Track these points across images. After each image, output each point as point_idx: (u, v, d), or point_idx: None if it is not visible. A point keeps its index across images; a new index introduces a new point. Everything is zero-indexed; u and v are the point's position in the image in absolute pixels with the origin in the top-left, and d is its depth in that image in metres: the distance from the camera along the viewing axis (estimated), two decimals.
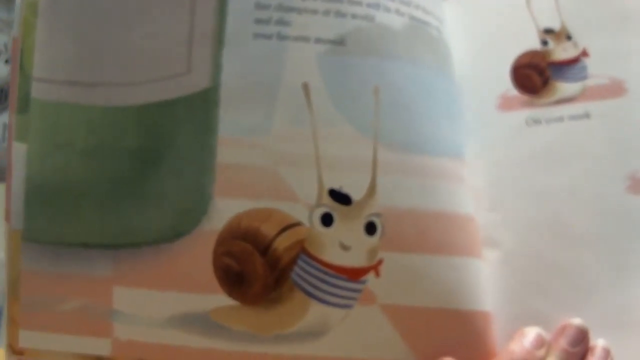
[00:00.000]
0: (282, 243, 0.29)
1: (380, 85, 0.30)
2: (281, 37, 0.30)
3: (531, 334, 0.30)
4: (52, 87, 0.29)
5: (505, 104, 0.33)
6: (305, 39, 0.30)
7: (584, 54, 0.33)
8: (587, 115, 0.32)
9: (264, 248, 0.29)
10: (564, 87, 0.33)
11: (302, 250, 0.29)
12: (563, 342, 0.30)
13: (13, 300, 0.29)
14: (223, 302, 0.29)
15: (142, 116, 0.29)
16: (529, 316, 0.31)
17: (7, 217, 0.30)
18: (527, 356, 0.29)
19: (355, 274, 0.29)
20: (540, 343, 0.30)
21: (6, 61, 0.36)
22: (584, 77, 0.33)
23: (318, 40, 0.30)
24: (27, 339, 0.29)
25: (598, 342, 0.30)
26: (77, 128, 0.29)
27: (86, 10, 0.29)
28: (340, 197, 0.29)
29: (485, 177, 0.32)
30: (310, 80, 0.29)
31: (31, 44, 0.29)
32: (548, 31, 0.34)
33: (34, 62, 0.29)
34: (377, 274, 0.29)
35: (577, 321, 0.30)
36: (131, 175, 0.29)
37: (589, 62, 0.33)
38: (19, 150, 0.29)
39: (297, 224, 0.29)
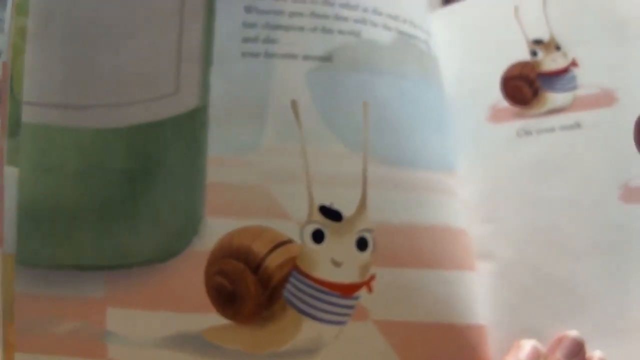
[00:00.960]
0: (273, 261, 0.29)
1: (368, 100, 0.30)
2: (269, 55, 0.30)
3: (527, 346, 0.29)
4: (41, 110, 0.29)
5: (496, 116, 0.33)
6: (292, 56, 0.30)
7: (574, 64, 0.33)
8: (578, 125, 0.32)
9: (256, 266, 0.29)
10: (554, 98, 0.33)
11: (294, 267, 0.29)
12: (559, 354, 0.29)
13: (8, 323, 0.29)
14: (216, 322, 0.29)
15: (131, 138, 0.29)
16: (525, 328, 0.30)
17: (0, 241, 0.30)
18: None
19: (347, 290, 0.29)
20: (536, 356, 0.29)
21: None
22: (574, 87, 0.33)
23: (306, 57, 0.30)
24: None
25: (594, 354, 0.30)
26: (67, 151, 0.29)
27: (75, 33, 0.29)
28: (331, 214, 0.29)
29: (477, 189, 0.32)
30: (299, 97, 0.29)
31: (20, 68, 0.29)
32: (537, 42, 0.33)
33: (23, 86, 0.29)
34: (370, 290, 0.29)
35: (573, 333, 0.30)
36: (122, 197, 0.29)
37: (579, 72, 0.33)
38: (10, 174, 0.29)
39: (288, 242, 0.29)
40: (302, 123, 0.29)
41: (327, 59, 0.30)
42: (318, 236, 0.29)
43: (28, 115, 0.29)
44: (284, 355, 0.29)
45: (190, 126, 0.29)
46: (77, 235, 0.29)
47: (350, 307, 0.29)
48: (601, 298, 0.30)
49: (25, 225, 0.29)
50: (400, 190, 0.29)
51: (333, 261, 0.29)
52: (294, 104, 0.29)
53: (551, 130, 0.32)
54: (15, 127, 0.30)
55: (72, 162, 0.29)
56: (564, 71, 0.33)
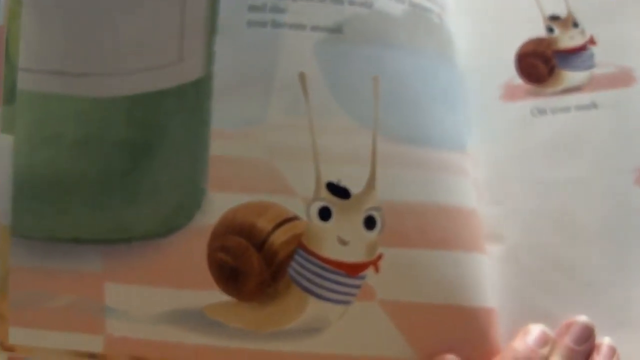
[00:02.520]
0: (278, 238, 0.28)
1: (379, 74, 0.28)
2: (276, 25, 0.28)
3: (535, 331, 0.29)
4: (39, 77, 0.28)
5: (509, 94, 0.31)
6: (301, 27, 0.28)
7: (591, 41, 0.32)
8: (594, 105, 0.31)
9: (260, 243, 0.28)
10: (571, 76, 0.31)
11: (299, 245, 0.28)
12: (568, 340, 0.29)
13: (2, 297, 0.28)
14: (218, 298, 0.28)
15: (132, 107, 0.28)
16: (533, 313, 0.29)
17: None
18: (530, 354, 0.28)
19: (354, 270, 0.28)
20: (544, 341, 0.28)
21: None
22: (591, 66, 0.31)
23: (314, 28, 0.28)
24: (18, 336, 0.28)
25: (604, 340, 0.29)
26: (65, 120, 0.28)
27: None
28: (338, 191, 0.28)
29: (488, 170, 0.31)
30: (307, 69, 0.28)
31: (16, 33, 0.28)
32: (554, 18, 0.32)
33: (19, 51, 0.28)
34: (377, 270, 0.28)
35: (582, 318, 0.29)
36: (122, 169, 0.28)
37: (597, 51, 0.32)
38: (5, 143, 0.28)
39: (294, 218, 0.28)
40: (309, 96, 0.28)
41: (336, 30, 0.28)
42: (325, 213, 0.28)
43: (25, 82, 0.28)
44: (288, 334, 0.28)
45: (194, 96, 0.28)
46: (75, 207, 0.28)
47: (357, 286, 0.28)
48: (612, 283, 0.30)
49: (20, 196, 0.28)
50: (410, 168, 0.28)
51: (340, 239, 0.28)
52: (301, 77, 0.28)
53: (566, 110, 0.31)
54: (10, 94, 0.28)
55: (70, 132, 0.28)
56: (582, 49, 0.32)
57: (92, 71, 0.28)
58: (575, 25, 0.32)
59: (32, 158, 0.28)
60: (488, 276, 0.29)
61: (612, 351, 0.29)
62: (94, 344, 0.28)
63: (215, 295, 0.28)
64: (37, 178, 0.28)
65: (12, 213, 0.28)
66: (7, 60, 0.28)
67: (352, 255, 0.28)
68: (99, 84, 0.28)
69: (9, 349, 0.29)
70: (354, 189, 0.28)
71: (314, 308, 0.28)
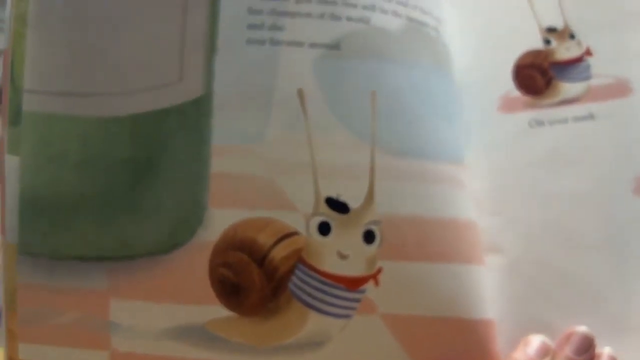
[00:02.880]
0: (279, 253, 0.28)
1: (377, 89, 0.29)
2: (274, 43, 0.29)
3: (535, 342, 0.29)
4: (43, 98, 0.29)
5: (507, 106, 0.32)
6: (299, 44, 0.29)
7: (588, 53, 0.32)
8: (591, 116, 0.31)
9: (261, 258, 0.28)
10: (568, 88, 0.32)
11: (299, 260, 0.28)
12: (568, 351, 0.29)
13: (11, 313, 0.29)
14: (220, 314, 0.28)
15: (134, 126, 0.29)
16: (533, 324, 0.29)
17: (2, 231, 0.29)
18: None
19: (353, 284, 0.28)
20: (544, 351, 0.29)
21: None
22: (588, 77, 0.32)
23: (313, 45, 0.29)
24: (27, 352, 0.29)
25: (604, 350, 0.29)
26: (69, 140, 0.29)
27: (76, 20, 0.28)
28: (337, 206, 0.28)
29: (487, 181, 0.31)
30: (305, 85, 0.28)
31: (21, 55, 0.29)
32: (551, 30, 0.32)
33: (24, 73, 0.29)
34: (377, 283, 0.28)
35: (582, 329, 0.29)
36: (125, 187, 0.29)
37: (593, 62, 0.32)
38: (11, 163, 0.29)
39: (294, 234, 0.28)
40: (308, 112, 0.28)
41: (334, 46, 0.29)
42: (324, 228, 0.28)
43: (29, 103, 0.29)
44: (289, 349, 0.28)
45: (195, 115, 0.29)
46: (79, 225, 0.29)
47: (357, 300, 0.28)
48: (611, 293, 0.30)
49: (26, 215, 0.29)
50: (408, 181, 0.29)
51: (339, 254, 0.28)
52: (300, 93, 0.28)
53: (564, 121, 0.31)
54: (16, 115, 0.29)
55: (74, 151, 0.29)
56: (578, 60, 0.32)
57: (95, 91, 0.29)
58: (572, 36, 0.32)
59: (37, 177, 0.29)
60: (487, 287, 0.29)
61: None
62: None
63: (217, 311, 0.28)
64: (42, 197, 0.29)
65: (19, 231, 0.29)
66: (12, 83, 0.29)
67: (351, 269, 0.28)
68: (101, 103, 0.29)
69: None
70: (353, 203, 0.28)
71: (314, 322, 0.28)
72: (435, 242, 0.29)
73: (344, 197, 0.28)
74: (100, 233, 0.29)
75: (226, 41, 0.28)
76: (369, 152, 0.28)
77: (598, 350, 0.29)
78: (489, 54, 0.32)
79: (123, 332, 0.28)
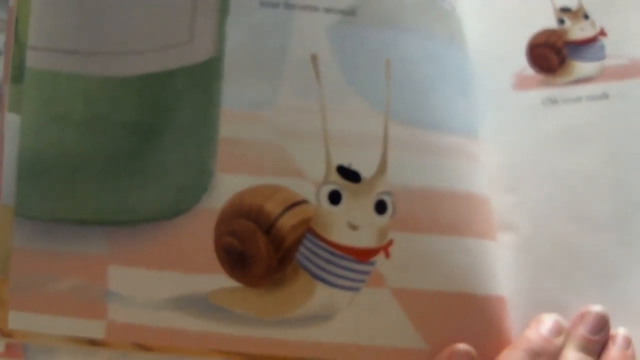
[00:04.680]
0: (287, 222, 0.27)
1: (392, 58, 0.28)
2: (288, 6, 0.28)
3: (548, 320, 0.28)
4: (48, 56, 0.27)
5: (521, 84, 0.31)
6: (313, 9, 0.28)
7: (602, 33, 0.31)
8: (605, 96, 0.31)
9: (268, 227, 0.27)
10: (582, 67, 0.31)
11: (308, 229, 0.27)
12: (582, 330, 0.28)
13: (2, 280, 0.27)
14: (224, 283, 0.27)
15: (141, 87, 0.27)
16: (546, 303, 0.28)
17: None
18: (544, 344, 0.27)
19: (363, 255, 0.27)
20: (558, 330, 0.28)
21: None
22: (602, 57, 0.31)
23: (327, 10, 0.28)
24: (17, 321, 0.27)
25: (619, 331, 0.28)
26: (73, 99, 0.27)
27: None
28: (349, 174, 0.27)
29: (500, 159, 0.30)
30: (319, 51, 0.27)
31: (26, 12, 0.27)
32: (565, 10, 0.32)
33: (29, 30, 0.28)
34: (387, 256, 0.27)
35: (597, 308, 0.28)
36: (129, 149, 0.27)
37: (607, 42, 0.31)
38: (11, 122, 0.27)
39: (303, 202, 0.27)
40: (321, 79, 0.27)
41: (350, 12, 0.28)
42: (335, 197, 0.27)
43: (33, 60, 0.27)
44: (295, 322, 0.27)
45: (204, 77, 0.28)
46: (80, 188, 0.27)
47: (366, 272, 0.27)
48: (626, 273, 0.29)
49: (25, 176, 0.27)
50: (422, 152, 0.28)
51: (349, 224, 0.27)
52: (313, 59, 0.27)
53: (578, 100, 0.31)
54: (18, 72, 0.28)
55: (77, 111, 0.27)
56: (592, 40, 0.31)
57: (102, 50, 0.27)
58: (586, 17, 0.32)
59: (38, 137, 0.27)
60: (500, 264, 0.28)
61: (628, 342, 0.28)
62: (96, 330, 0.27)
63: (221, 280, 0.27)
64: (42, 158, 0.27)
65: (16, 193, 0.27)
66: (16, 40, 0.28)
67: (362, 240, 0.27)
68: (108, 63, 0.27)
69: (8, 334, 0.28)
70: (365, 172, 0.27)
71: (322, 295, 0.27)
72: (448, 215, 0.28)
73: (355, 166, 0.27)
74: (102, 196, 0.27)
75: (239, 3, 0.27)
76: (383, 121, 0.28)
77: (613, 331, 0.28)
78: (503, 33, 0.32)
79: (121, 302, 0.27)
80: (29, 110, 0.27)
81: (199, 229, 0.27)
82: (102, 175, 0.27)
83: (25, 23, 0.28)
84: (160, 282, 0.27)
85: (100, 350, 0.27)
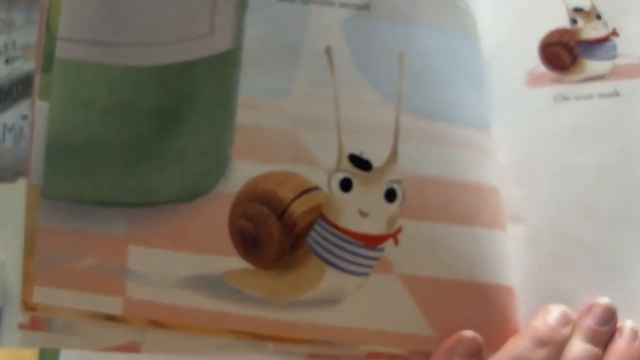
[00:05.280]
0: (299, 207, 0.28)
1: (405, 51, 0.29)
2: (305, 1, 0.29)
3: (556, 311, 0.28)
4: (76, 46, 0.29)
5: (533, 80, 0.31)
6: (329, 3, 0.29)
7: (614, 33, 0.32)
8: (616, 94, 0.31)
9: (281, 212, 0.28)
10: (594, 65, 0.31)
11: (319, 215, 0.28)
12: (590, 321, 0.28)
13: (29, 257, 0.29)
14: (237, 265, 0.28)
15: (163, 76, 0.29)
16: (554, 295, 0.29)
17: (28, 172, 0.29)
18: (551, 333, 0.27)
19: (373, 242, 0.28)
20: (565, 321, 0.28)
21: (6, 61, 0.36)
22: (614, 56, 0.31)
23: (343, 5, 0.29)
24: (41, 295, 0.28)
25: (626, 323, 0.28)
26: (98, 87, 0.29)
27: None
28: (360, 163, 0.28)
29: (511, 153, 0.30)
30: (334, 44, 0.28)
31: (58, 3, 0.29)
32: (577, 10, 0.32)
33: (60, 22, 0.29)
34: (396, 243, 0.28)
35: (604, 300, 0.28)
36: (150, 135, 0.29)
37: (619, 42, 0.32)
38: (41, 108, 0.29)
39: (315, 189, 0.28)
40: (335, 70, 0.28)
41: (364, 7, 0.29)
42: (346, 185, 0.28)
43: (62, 50, 0.29)
44: (305, 304, 0.28)
45: (223, 67, 0.29)
46: (103, 171, 0.28)
47: (375, 258, 0.28)
48: (633, 266, 0.29)
49: (52, 158, 0.29)
50: (432, 143, 0.28)
51: (360, 211, 0.28)
52: (328, 51, 0.28)
53: (589, 97, 0.31)
54: (48, 62, 0.29)
55: (102, 99, 0.29)
56: (604, 40, 0.32)
57: (126, 41, 0.29)
58: (599, 17, 0.32)
59: (65, 122, 0.29)
60: (508, 254, 0.29)
61: (635, 334, 0.28)
62: (114, 306, 0.28)
63: (234, 262, 0.28)
64: (68, 141, 0.29)
65: (44, 174, 0.29)
66: (48, 31, 0.29)
67: (371, 227, 0.28)
68: (132, 53, 0.29)
69: (32, 308, 0.29)
70: (376, 161, 0.28)
71: (331, 279, 0.28)
72: (458, 204, 0.28)
73: (367, 155, 0.28)
74: (123, 179, 0.28)
75: None
76: (395, 111, 0.28)
77: (620, 323, 0.28)
78: (517, 31, 0.32)
79: (138, 280, 0.28)
80: (56, 98, 0.29)
81: (215, 212, 0.28)
82: (124, 159, 0.28)
83: (56, 15, 0.29)
84: (177, 262, 0.28)
85: (118, 325, 0.28)
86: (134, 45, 0.29)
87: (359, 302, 0.27)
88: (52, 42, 0.29)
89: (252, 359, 0.28)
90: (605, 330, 0.28)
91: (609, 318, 0.28)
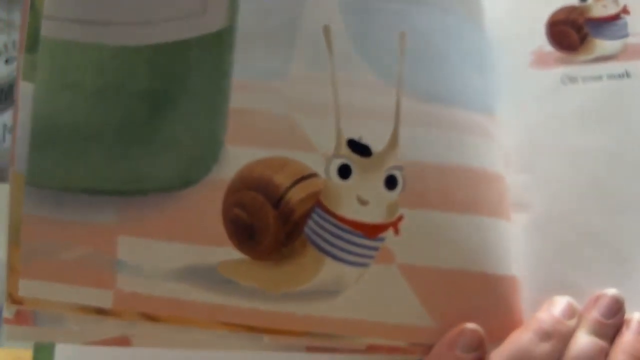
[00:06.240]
0: (295, 195, 0.27)
1: (406, 30, 0.27)
2: None
3: (561, 302, 0.27)
4: (62, 25, 0.27)
5: (539, 61, 0.30)
6: None
7: (625, 11, 0.30)
8: (627, 74, 0.29)
9: (277, 199, 0.27)
10: (604, 45, 0.30)
11: (317, 203, 0.27)
12: (596, 313, 0.27)
13: (14, 248, 0.27)
14: (232, 255, 0.27)
15: (154, 57, 0.27)
16: (559, 285, 0.27)
17: (11, 158, 0.28)
18: (556, 325, 0.26)
19: (372, 231, 0.27)
20: (571, 313, 0.27)
21: (6, 61, 0.34)
22: (625, 35, 0.30)
23: None
24: (27, 288, 0.27)
25: (634, 316, 0.27)
26: (86, 68, 0.27)
27: None
28: (359, 148, 0.27)
29: (516, 137, 0.29)
30: (332, 23, 0.27)
31: None
32: None
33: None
34: (397, 232, 0.27)
35: (612, 291, 0.27)
36: (140, 119, 0.27)
37: (630, 20, 0.30)
38: (25, 90, 0.27)
39: (312, 175, 0.27)
40: (333, 50, 0.27)
41: None
42: (344, 171, 0.27)
43: (48, 29, 0.27)
44: (302, 296, 0.27)
45: (216, 48, 0.27)
46: (91, 157, 0.27)
47: (375, 248, 0.27)
48: None
49: (37, 144, 0.27)
50: (434, 127, 0.27)
51: (359, 199, 0.27)
52: (326, 30, 0.27)
53: (598, 78, 0.30)
54: (33, 42, 0.27)
55: (90, 80, 0.27)
56: (615, 18, 0.30)
57: (115, 20, 0.27)
58: None
59: (51, 105, 0.27)
60: (512, 244, 0.28)
61: None
62: (103, 299, 0.27)
63: (229, 252, 0.27)
64: (54, 126, 0.27)
65: (28, 161, 0.27)
66: (32, 8, 0.28)
67: (371, 215, 0.27)
68: (121, 32, 0.27)
69: (18, 301, 0.28)
70: (376, 146, 0.27)
71: (329, 269, 0.27)
72: (460, 192, 0.27)
73: (366, 140, 0.27)
74: (112, 166, 0.27)
75: None
76: (395, 94, 0.27)
77: (628, 315, 0.27)
78: (523, 9, 0.31)
79: (129, 271, 0.27)
80: (42, 79, 0.27)
81: (207, 200, 0.27)
82: (113, 144, 0.27)
83: None
84: (169, 253, 0.27)
85: (108, 319, 0.27)
86: (124, 24, 0.27)
87: (358, 294, 0.26)
88: (38, 21, 0.27)
89: (247, 352, 0.27)
90: (612, 323, 0.27)
91: (617, 310, 0.27)
